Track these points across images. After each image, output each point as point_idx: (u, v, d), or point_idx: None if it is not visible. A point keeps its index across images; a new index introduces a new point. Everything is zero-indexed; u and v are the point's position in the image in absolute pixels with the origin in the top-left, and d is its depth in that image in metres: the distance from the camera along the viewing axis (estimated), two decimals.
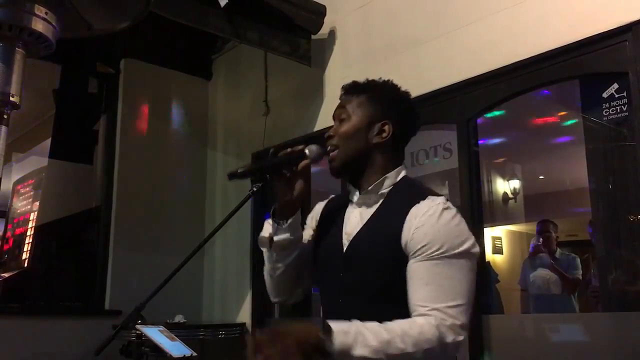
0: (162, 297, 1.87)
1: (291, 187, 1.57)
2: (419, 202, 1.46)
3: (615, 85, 2.61)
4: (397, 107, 1.61)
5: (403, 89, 1.65)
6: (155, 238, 4.52)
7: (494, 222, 6.37)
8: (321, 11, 3.90)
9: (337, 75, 3.94)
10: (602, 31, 2.60)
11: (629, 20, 2.52)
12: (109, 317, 4.02)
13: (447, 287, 1.37)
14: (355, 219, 1.57)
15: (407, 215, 1.45)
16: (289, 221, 1.57)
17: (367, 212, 1.55)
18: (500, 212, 5.56)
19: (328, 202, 1.77)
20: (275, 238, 1.58)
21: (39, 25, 1.45)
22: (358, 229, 1.54)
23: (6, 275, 5.06)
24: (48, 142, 4.89)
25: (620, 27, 2.55)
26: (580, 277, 4.69)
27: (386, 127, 1.57)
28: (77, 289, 4.55)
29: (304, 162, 1.56)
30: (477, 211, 3.07)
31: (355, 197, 1.60)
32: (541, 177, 6.34)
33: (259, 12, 3.69)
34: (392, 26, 3.59)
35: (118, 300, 4.24)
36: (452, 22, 3.25)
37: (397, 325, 1.33)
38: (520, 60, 2.89)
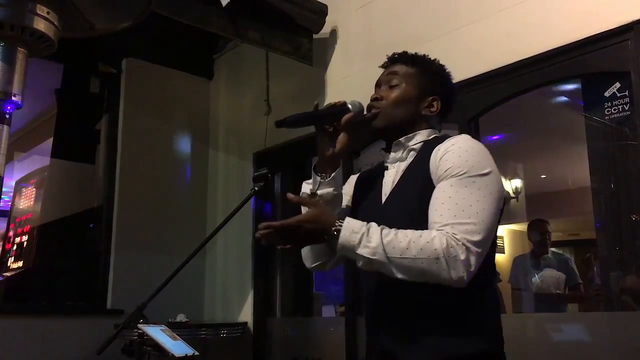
0: (163, 297, 1.88)
1: (334, 141, 1.61)
2: (442, 142, 1.52)
3: (617, 85, 2.61)
4: (445, 85, 1.69)
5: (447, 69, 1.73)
6: (157, 237, 4.52)
7: None
8: (323, 10, 3.90)
9: (338, 74, 3.94)
10: (603, 30, 2.60)
11: (631, 19, 2.52)
12: (111, 317, 4.02)
13: (462, 206, 1.36)
14: (390, 178, 1.62)
15: (430, 156, 1.50)
16: (332, 175, 1.61)
17: (400, 168, 1.60)
18: None
19: (362, 173, 1.82)
20: (319, 191, 1.60)
21: (40, 25, 1.46)
22: (393, 186, 1.58)
23: (8, 274, 5.07)
24: (50, 141, 4.90)
25: (622, 26, 2.54)
26: (580, 282, 4.66)
27: (435, 103, 1.64)
28: (79, 288, 4.56)
29: (347, 116, 1.60)
30: None
31: (389, 157, 1.64)
32: (543, 176, 6.34)
33: (260, 11, 3.69)
34: (393, 25, 3.59)
35: (120, 299, 4.24)
36: (453, 22, 3.25)
37: (410, 232, 1.35)
38: (522, 60, 2.89)
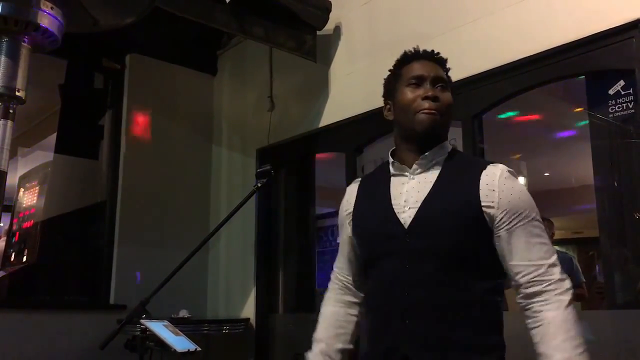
0: (166, 292, 1.88)
1: None
2: (485, 168, 1.56)
3: (622, 82, 2.60)
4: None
5: None
6: (160, 233, 4.53)
7: None
8: (327, 7, 3.89)
9: (342, 71, 3.94)
10: (608, 28, 2.59)
11: (636, 16, 2.50)
12: (114, 312, 4.03)
13: (548, 245, 1.54)
14: (412, 187, 1.59)
15: (479, 179, 1.54)
16: None
17: (428, 179, 1.58)
18: None
19: (361, 182, 1.79)
20: None
21: (44, 20, 1.46)
22: (424, 195, 1.56)
23: (11, 269, 5.08)
24: (53, 137, 4.90)
25: (627, 23, 2.53)
26: (584, 280, 4.63)
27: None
28: (82, 283, 4.57)
29: None
30: None
31: (407, 168, 1.62)
32: (546, 174, 6.32)
33: (264, 7, 3.68)
34: (397, 22, 3.58)
35: (123, 294, 4.25)
36: (458, 18, 3.24)
37: (562, 330, 1.50)
38: (526, 57, 2.88)
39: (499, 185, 1.53)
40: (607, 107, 2.64)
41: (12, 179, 5.77)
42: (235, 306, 4.54)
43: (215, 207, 4.87)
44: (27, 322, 3.94)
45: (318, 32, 3.93)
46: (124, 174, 4.51)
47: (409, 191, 1.59)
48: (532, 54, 2.86)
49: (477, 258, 1.53)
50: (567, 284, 1.50)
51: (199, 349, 2.98)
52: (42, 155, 5.57)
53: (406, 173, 1.62)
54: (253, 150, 4.60)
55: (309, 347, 1.75)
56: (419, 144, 1.61)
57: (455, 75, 3.14)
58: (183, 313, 4.15)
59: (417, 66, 1.67)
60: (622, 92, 2.59)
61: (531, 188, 5.62)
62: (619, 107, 2.60)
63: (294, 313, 4.37)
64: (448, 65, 1.71)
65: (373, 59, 3.65)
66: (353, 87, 3.77)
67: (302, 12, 3.79)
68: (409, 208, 1.56)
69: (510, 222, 1.52)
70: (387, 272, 1.58)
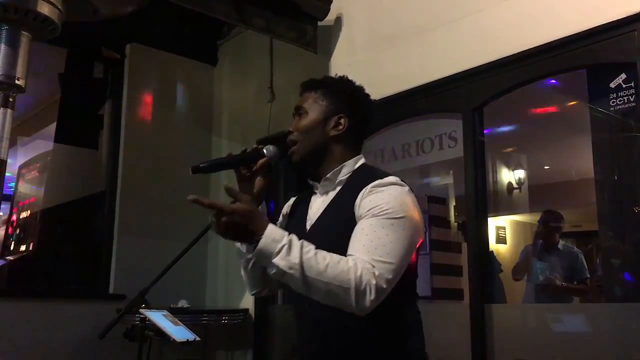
0: (166, 282, 1.88)
1: (252, 184, 1.69)
2: (370, 182, 1.54)
3: (623, 76, 2.59)
4: (351, 101, 1.70)
5: (358, 84, 1.75)
6: (160, 223, 4.53)
7: (498, 212, 6.36)
8: None
9: (343, 62, 3.93)
10: (610, 20, 2.57)
11: (638, 9, 2.49)
12: (114, 301, 4.04)
13: (382, 244, 1.42)
14: (317, 206, 1.68)
15: (359, 193, 1.54)
16: None
17: (328, 199, 1.65)
18: (504, 202, 5.55)
19: (296, 198, 1.87)
20: None
21: (44, 9, 1.45)
22: (319, 214, 1.64)
23: (11, 258, 5.09)
24: (53, 126, 4.90)
25: (629, 16, 2.52)
26: (588, 277, 4.61)
27: (342, 120, 1.66)
28: (82, 272, 4.57)
29: (261, 161, 1.67)
30: (482, 201, 3.07)
31: (318, 187, 1.70)
32: (546, 167, 6.32)
33: None
34: (399, 13, 3.56)
35: (122, 284, 4.26)
36: (459, 10, 3.23)
37: (329, 255, 1.38)
38: (527, 50, 2.87)
39: (369, 190, 1.53)
40: (608, 100, 2.64)
41: (11, 168, 5.77)
42: (235, 296, 4.55)
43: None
44: (27, 311, 3.96)
45: (319, 23, 3.91)
46: (123, 163, 4.50)
47: (313, 210, 1.69)
48: (533, 47, 2.85)
49: None
50: (373, 279, 1.38)
51: (197, 338, 2.99)
52: (42, 144, 5.57)
53: (316, 191, 1.71)
54: (253, 141, 4.55)
55: None
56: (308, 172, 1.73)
57: (456, 67, 3.17)
58: (182, 303, 4.16)
59: None
60: (624, 86, 2.59)
61: (531, 181, 5.64)
62: (620, 101, 2.60)
63: (292, 304, 4.37)
64: (332, 82, 1.75)
65: (374, 51, 3.64)
66: (353, 78, 3.73)
67: (303, 3, 3.77)
68: (309, 225, 1.66)
69: (360, 215, 1.51)
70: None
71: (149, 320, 2.88)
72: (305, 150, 1.66)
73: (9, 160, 1.76)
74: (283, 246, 1.36)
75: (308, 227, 1.65)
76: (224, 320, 4.26)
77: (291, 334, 4.08)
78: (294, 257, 1.36)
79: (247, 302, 4.42)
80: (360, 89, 1.74)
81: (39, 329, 3.92)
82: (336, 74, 1.77)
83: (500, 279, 5.15)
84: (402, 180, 1.58)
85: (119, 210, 4.43)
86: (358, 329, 1.50)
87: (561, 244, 4.70)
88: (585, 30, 2.66)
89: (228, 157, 1.71)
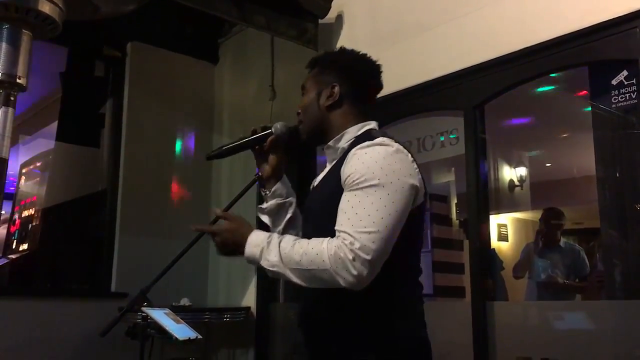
0: (167, 280, 1.88)
1: (266, 161, 1.79)
2: (361, 145, 1.51)
3: (625, 73, 2.59)
4: (343, 68, 1.70)
5: (356, 50, 1.75)
6: (162, 221, 4.53)
7: (500, 210, 6.35)
8: None
9: None
10: (612, 17, 2.57)
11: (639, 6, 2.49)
12: (115, 300, 4.04)
13: (361, 215, 1.40)
14: (321, 176, 1.72)
15: (346, 159, 1.52)
16: (272, 189, 1.78)
17: (330, 168, 1.67)
18: (506, 199, 5.54)
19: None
20: (264, 205, 1.82)
21: (45, 7, 1.45)
22: (315, 185, 1.73)
23: (13, 257, 5.10)
24: (55, 124, 4.90)
25: (631, 13, 2.52)
26: (588, 272, 4.60)
27: (335, 89, 1.66)
28: (83, 271, 4.58)
29: (270, 139, 1.78)
30: (483, 198, 3.07)
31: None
32: (548, 164, 6.31)
33: None
34: (400, 11, 3.56)
35: (124, 282, 4.26)
36: (460, 8, 3.22)
37: (305, 242, 1.44)
38: (529, 47, 2.86)
39: (353, 155, 1.50)
40: (610, 97, 2.63)
41: (13, 167, 5.77)
42: (236, 295, 4.55)
43: (216, 196, 4.87)
44: (28, 309, 3.96)
45: (320, 21, 3.91)
46: (125, 162, 4.50)
47: (318, 179, 1.75)
48: (534, 44, 2.84)
49: None
50: (352, 254, 1.36)
51: (199, 336, 3.00)
52: (44, 143, 5.58)
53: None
54: None
55: None
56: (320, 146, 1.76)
57: (457, 64, 3.17)
58: (184, 301, 4.16)
59: None
60: (625, 83, 2.58)
61: (532, 179, 5.64)
62: (621, 98, 2.59)
63: (295, 302, 4.38)
64: (331, 54, 1.81)
65: (375, 48, 3.60)
66: None
67: (303, 1, 3.76)
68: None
69: (344, 182, 1.49)
70: None
71: (150, 318, 2.89)
72: (308, 127, 1.71)
73: (10, 159, 1.76)
74: (262, 248, 1.45)
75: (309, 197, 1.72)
76: (226, 318, 4.27)
77: (293, 331, 4.09)
78: (273, 255, 1.44)
79: (249, 300, 4.42)
80: (353, 54, 1.73)
81: (41, 328, 3.93)
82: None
83: (502, 277, 5.15)
84: (394, 140, 1.53)
85: (120, 209, 4.43)
86: (334, 307, 1.51)
87: (563, 241, 4.71)
88: (587, 27, 2.65)
89: (239, 140, 1.82)
